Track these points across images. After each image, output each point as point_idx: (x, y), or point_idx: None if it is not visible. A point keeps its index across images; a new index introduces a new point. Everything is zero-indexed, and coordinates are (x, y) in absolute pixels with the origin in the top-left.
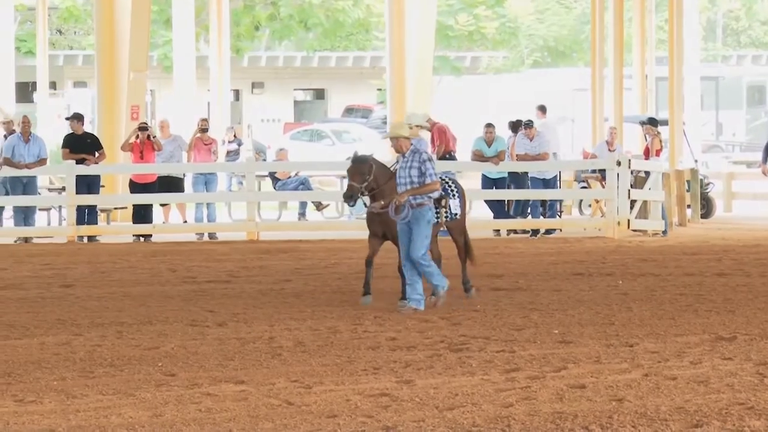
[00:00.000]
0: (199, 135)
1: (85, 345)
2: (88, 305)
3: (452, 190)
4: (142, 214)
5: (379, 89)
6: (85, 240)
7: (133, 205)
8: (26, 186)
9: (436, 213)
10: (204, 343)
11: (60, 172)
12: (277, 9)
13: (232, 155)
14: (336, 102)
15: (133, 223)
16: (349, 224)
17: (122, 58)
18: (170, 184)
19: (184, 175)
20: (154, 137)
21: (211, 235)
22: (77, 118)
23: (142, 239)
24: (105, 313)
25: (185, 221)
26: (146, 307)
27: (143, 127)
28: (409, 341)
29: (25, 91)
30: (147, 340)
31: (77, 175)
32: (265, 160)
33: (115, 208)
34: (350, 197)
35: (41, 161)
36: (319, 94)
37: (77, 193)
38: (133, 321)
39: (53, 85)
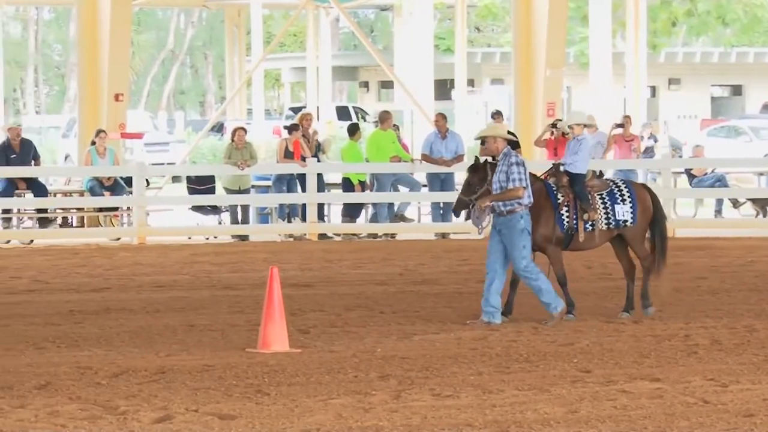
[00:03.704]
0: (620, 132)
1: (501, 340)
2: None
3: (622, 194)
4: None
5: None
6: None
7: None
8: (444, 182)
9: (565, 220)
10: (619, 340)
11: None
12: (695, 5)
13: (648, 152)
14: (754, 98)
15: None
16: (766, 222)
17: (539, 54)
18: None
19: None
20: (566, 134)
21: None
22: (498, 114)
23: None
24: (520, 309)
25: None
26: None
27: (557, 124)
28: None
29: (443, 89)
30: (562, 336)
31: None
32: (681, 156)
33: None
34: (455, 212)
35: (458, 157)
36: (737, 90)
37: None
38: (548, 317)
39: (471, 83)
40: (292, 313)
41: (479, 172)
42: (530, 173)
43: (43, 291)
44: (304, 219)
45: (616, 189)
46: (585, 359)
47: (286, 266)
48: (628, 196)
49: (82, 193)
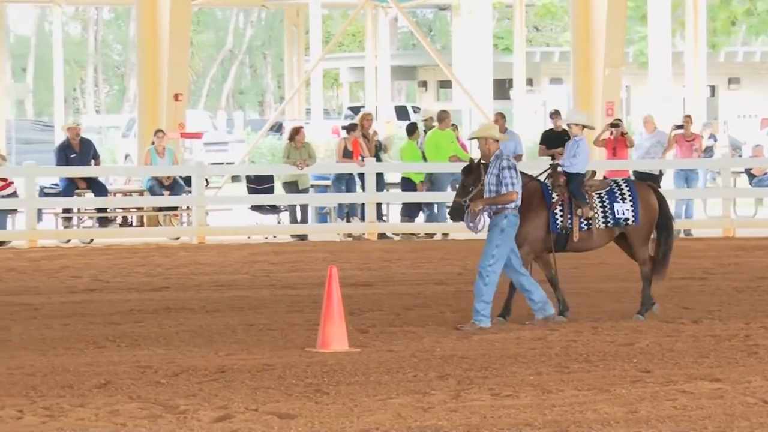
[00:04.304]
0: (681, 132)
1: (560, 340)
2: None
3: (622, 193)
4: None
5: None
6: None
7: None
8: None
9: (559, 219)
10: (679, 340)
11: (531, 168)
12: (754, 4)
13: (708, 152)
14: None
15: None
16: None
17: (598, 54)
18: (647, 180)
19: (660, 171)
20: (627, 134)
21: (687, 232)
22: (557, 114)
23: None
24: (579, 309)
25: None
26: (620, 303)
27: (616, 124)
28: None
29: (501, 88)
30: (622, 336)
31: None
32: (740, 156)
33: None
34: (452, 217)
35: (517, 157)
36: None
37: None
38: (608, 317)
39: (529, 82)
40: (351, 312)
41: (473, 173)
42: (526, 174)
43: (103, 290)
44: (362, 218)
45: (616, 188)
46: (645, 359)
47: (345, 266)
48: (629, 195)
49: (141, 193)
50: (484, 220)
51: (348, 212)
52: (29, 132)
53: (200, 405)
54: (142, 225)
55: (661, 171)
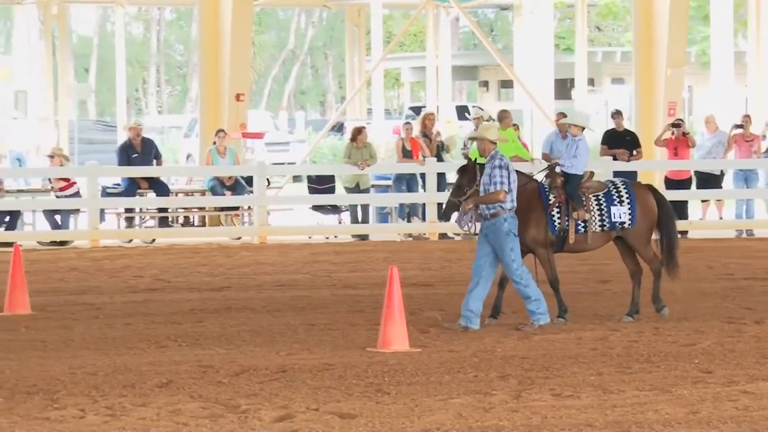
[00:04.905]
0: (740, 132)
1: (621, 340)
2: (625, 301)
3: (620, 196)
4: (677, 211)
5: None
6: None
7: (669, 201)
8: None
9: (557, 221)
10: (741, 340)
11: (597, 169)
12: None
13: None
14: None
15: None
16: None
17: (660, 54)
18: (708, 181)
19: (721, 171)
20: (688, 134)
21: (749, 232)
22: (619, 114)
23: (678, 235)
24: (641, 309)
25: (721, 218)
26: (682, 304)
27: (677, 124)
28: None
29: (563, 88)
30: (683, 336)
31: (614, 171)
32: None
33: None
34: (445, 216)
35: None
36: None
37: None
38: (670, 317)
39: (591, 82)
40: (411, 312)
41: (468, 173)
42: (524, 174)
43: (165, 290)
44: (423, 218)
45: (614, 190)
46: (706, 360)
47: (406, 266)
48: (627, 198)
49: (203, 193)
50: (474, 219)
51: (409, 212)
52: (92, 132)
53: (261, 404)
54: (203, 225)
55: (722, 171)
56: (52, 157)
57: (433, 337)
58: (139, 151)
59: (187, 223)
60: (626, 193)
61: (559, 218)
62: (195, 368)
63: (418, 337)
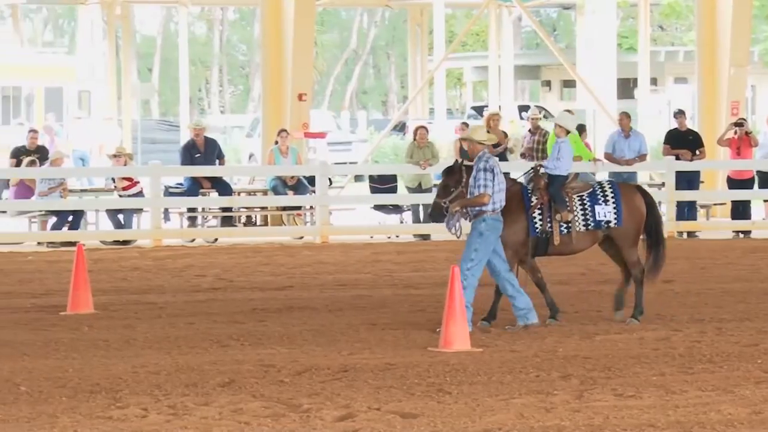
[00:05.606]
0: None
1: (684, 341)
2: (687, 301)
3: (605, 195)
4: (740, 210)
5: None
6: (685, 236)
7: (732, 201)
8: (625, 181)
9: (538, 223)
10: None
11: (659, 168)
12: None
13: None
14: None
15: (732, 219)
16: None
17: (723, 53)
18: None
19: None
20: (751, 133)
21: None
22: (681, 113)
23: (741, 235)
24: (704, 309)
25: None
26: (746, 304)
27: (740, 123)
28: None
29: (626, 87)
30: (746, 336)
31: (677, 171)
32: None
33: (714, 204)
34: (433, 216)
35: (641, 157)
36: None
37: (677, 188)
38: (732, 317)
39: (654, 81)
40: (474, 311)
41: (454, 174)
42: (509, 178)
43: (227, 289)
44: None
45: (599, 190)
46: None
47: None
48: (612, 197)
49: (265, 192)
50: (460, 222)
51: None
52: (155, 132)
53: (323, 404)
54: (266, 224)
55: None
56: (115, 156)
57: (494, 337)
58: (202, 150)
59: (249, 222)
60: (611, 192)
61: (540, 220)
62: (257, 367)
63: (480, 337)
